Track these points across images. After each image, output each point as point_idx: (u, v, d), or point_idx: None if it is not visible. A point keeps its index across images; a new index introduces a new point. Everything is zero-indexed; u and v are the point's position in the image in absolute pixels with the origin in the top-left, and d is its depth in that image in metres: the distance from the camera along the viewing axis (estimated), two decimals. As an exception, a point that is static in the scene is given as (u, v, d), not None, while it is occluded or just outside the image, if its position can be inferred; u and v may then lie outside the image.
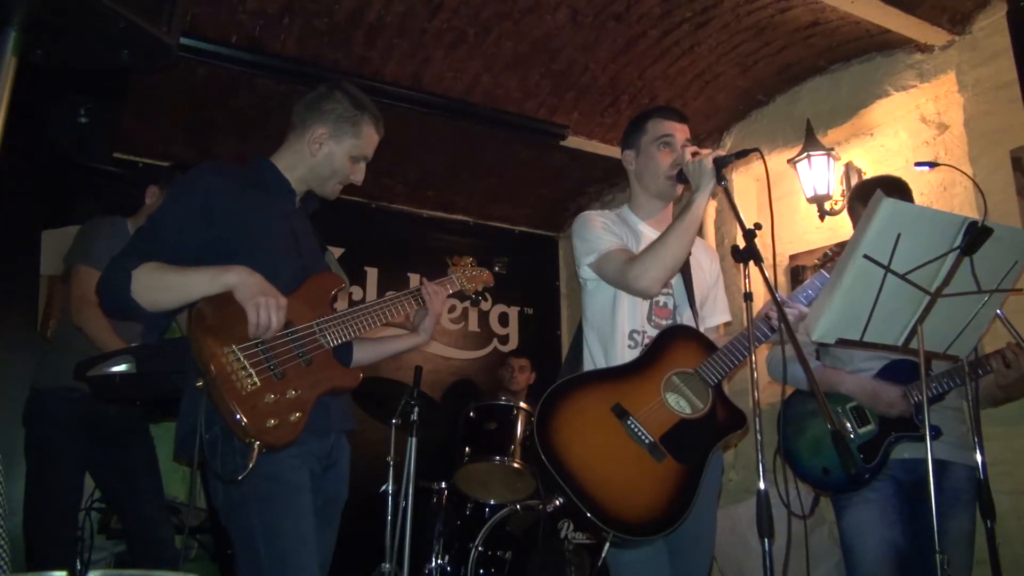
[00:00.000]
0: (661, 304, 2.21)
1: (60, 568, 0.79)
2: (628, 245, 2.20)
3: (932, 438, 2.22)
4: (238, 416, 1.58)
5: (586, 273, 2.22)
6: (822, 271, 2.18)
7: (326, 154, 1.95)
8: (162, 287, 1.70)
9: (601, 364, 2.16)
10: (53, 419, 2.73)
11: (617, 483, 1.88)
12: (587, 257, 2.18)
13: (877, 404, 2.33)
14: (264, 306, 1.67)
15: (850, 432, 2.35)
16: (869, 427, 2.35)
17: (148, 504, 2.84)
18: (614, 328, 2.18)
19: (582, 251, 2.21)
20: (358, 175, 2.02)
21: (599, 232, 2.19)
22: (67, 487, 2.78)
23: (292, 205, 1.99)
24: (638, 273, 2.03)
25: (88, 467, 2.88)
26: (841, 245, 2.22)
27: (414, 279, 5.23)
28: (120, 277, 1.68)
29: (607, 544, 1.92)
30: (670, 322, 2.20)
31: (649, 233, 2.29)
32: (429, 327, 2.13)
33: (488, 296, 2.34)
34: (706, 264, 2.38)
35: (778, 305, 1.79)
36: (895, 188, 2.46)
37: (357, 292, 4.98)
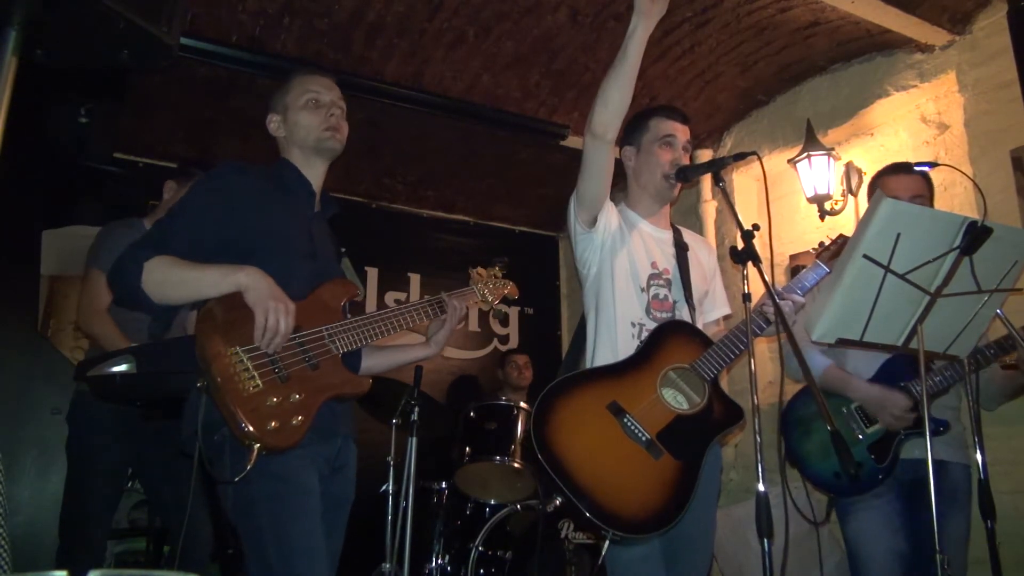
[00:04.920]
0: (661, 297, 2.21)
1: (61, 568, 0.80)
2: (624, 235, 2.21)
3: (940, 432, 2.22)
4: (239, 419, 1.58)
5: (581, 246, 2.21)
6: (818, 262, 2.17)
7: (286, 126, 1.97)
8: (173, 281, 1.69)
9: (605, 355, 2.16)
10: (95, 420, 2.72)
11: (615, 481, 1.87)
12: (572, 208, 2.19)
13: (882, 414, 2.29)
14: (273, 311, 1.66)
15: (857, 433, 2.32)
16: (877, 426, 2.31)
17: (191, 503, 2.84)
18: (615, 318, 2.18)
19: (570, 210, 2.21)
20: (333, 117, 1.96)
21: None
22: (104, 490, 2.78)
23: (312, 208, 1.99)
24: (591, 115, 2.03)
25: (133, 468, 2.89)
26: (839, 237, 2.22)
27: (414, 279, 5.23)
28: (132, 267, 1.67)
29: (607, 543, 1.92)
30: (669, 316, 2.20)
31: (647, 228, 2.29)
32: (442, 340, 2.11)
33: (504, 310, 2.30)
34: (704, 259, 2.39)
35: (778, 308, 1.78)
36: (901, 168, 2.41)
37: (357, 292, 4.98)
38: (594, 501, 1.83)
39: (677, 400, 2.03)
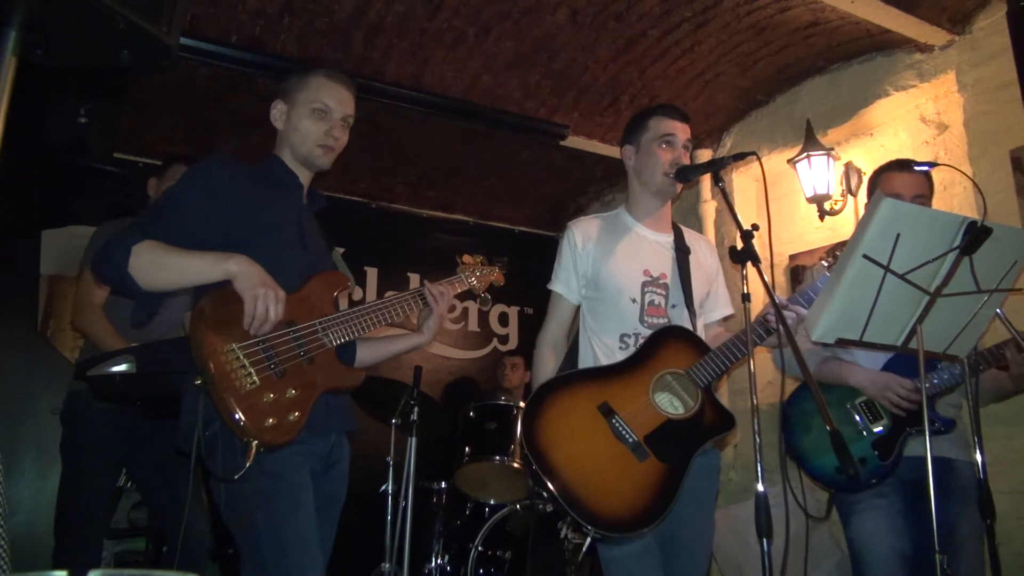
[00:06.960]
0: (657, 304, 2.21)
1: (58, 568, 0.80)
2: (605, 254, 2.25)
3: (945, 431, 2.20)
4: (236, 416, 1.58)
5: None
6: (827, 273, 2.15)
7: (287, 121, 1.96)
8: (161, 266, 1.68)
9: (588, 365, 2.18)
10: (87, 421, 2.72)
11: (598, 481, 1.89)
12: (551, 281, 2.38)
13: (886, 398, 2.23)
14: (263, 298, 1.66)
15: (861, 429, 2.27)
16: (882, 422, 2.27)
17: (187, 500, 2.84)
18: (604, 332, 2.21)
19: (554, 268, 2.37)
20: (334, 131, 1.95)
21: (563, 261, 2.33)
22: (97, 490, 2.77)
23: (300, 200, 1.99)
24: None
25: (126, 468, 2.89)
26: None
27: (414, 279, 5.23)
28: (119, 250, 1.66)
29: (588, 539, 1.93)
30: (664, 320, 2.20)
31: (644, 233, 2.30)
32: (433, 327, 2.11)
33: (489, 295, 2.33)
34: (705, 259, 2.38)
35: (776, 308, 1.78)
36: (905, 166, 2.37)
37: (357, 292, 4.98)
38: (576, 499, 1.84)
39: (673, 404, 2.03)
